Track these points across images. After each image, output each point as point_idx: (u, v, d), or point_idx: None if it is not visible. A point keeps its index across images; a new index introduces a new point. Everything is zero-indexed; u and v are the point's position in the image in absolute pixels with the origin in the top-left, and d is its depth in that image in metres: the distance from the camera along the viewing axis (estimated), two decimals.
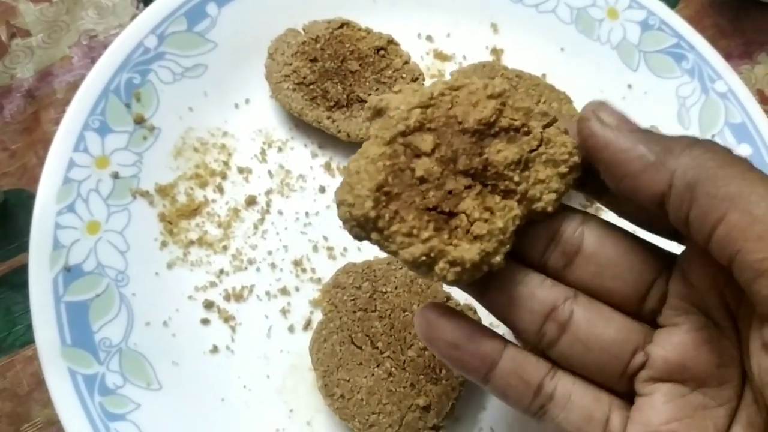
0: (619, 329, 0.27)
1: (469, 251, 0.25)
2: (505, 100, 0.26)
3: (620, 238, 0.27)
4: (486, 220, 0.25)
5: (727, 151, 0.23)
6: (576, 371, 0.27)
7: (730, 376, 0.25)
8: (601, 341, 0.26)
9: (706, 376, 0.25)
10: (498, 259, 0.25)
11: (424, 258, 0.25)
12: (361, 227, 0.26)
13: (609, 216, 0.28)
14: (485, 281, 0.27)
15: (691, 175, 0.22)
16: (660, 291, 0.27)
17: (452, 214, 0.25)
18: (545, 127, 0.26)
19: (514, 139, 0.26)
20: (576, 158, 0.26)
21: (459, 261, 0.25)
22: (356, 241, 0.41)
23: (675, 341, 0.26)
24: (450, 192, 0.25)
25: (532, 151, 0.26)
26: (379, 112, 0.26)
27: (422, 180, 0.25)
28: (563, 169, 0.26)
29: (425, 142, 0.25)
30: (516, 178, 0.26)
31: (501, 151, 0.26)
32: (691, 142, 0.23)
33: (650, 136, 0.24)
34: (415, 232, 0.25)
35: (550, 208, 0.26)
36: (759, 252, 0.21)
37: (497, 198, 0.26)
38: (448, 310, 0.27)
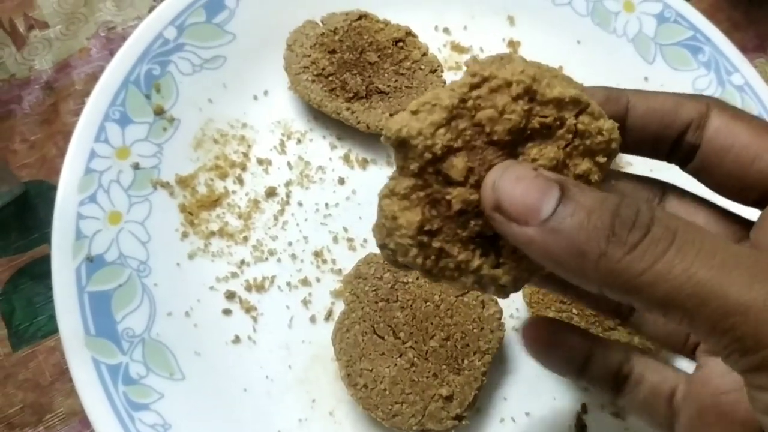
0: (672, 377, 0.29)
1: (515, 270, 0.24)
2: (533, 94, 0.23)
3: (698, 205, 0.28)
4: None
5: None
6: (649, 336, 0.31)
7: None
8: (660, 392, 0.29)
9: None
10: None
11: (476, 286, 0.24)
12: (408, 267, 0.25)
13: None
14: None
15: None
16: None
17: (497, 236, 0.23)
18: (578, 115, 0.24)
19: (548, 137, 0.24)
20: (614, 144, 0.24)
21: (509, 283, 0.24)
22: None
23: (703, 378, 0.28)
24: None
25: (567, 145, 0.24)
26: (403, 143, 0.23)
27: (462, 212, 0.23)
28: (601, 158, 0.24)
29: (456, 169, 0.23)
30: None
31: (537, 159, 0.23)
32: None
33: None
34: (463, 266, 0.24)
35: None
36: None
37: None
38: (550, 324, 0.31)
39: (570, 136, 0.24)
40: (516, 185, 0.21)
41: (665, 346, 0.31)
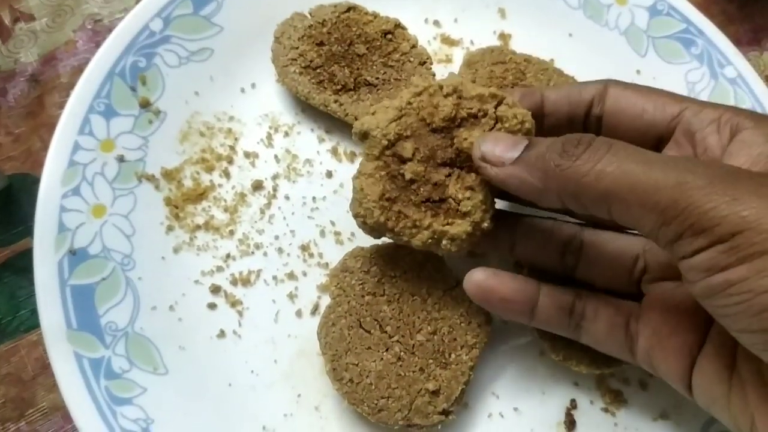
0: (620, 245, 0.34)
1: (461, 226, 0.32)
2: (460, 93, 0.31)
3: (605, 233, 0.36)
4: (468, 198, 0.32)
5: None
6: (597, 287, 0.35)
7: None
8: (608, 257, 0.34)
9: None
10: (486, 224, 0.32)
11: (430, 241, 0.32)
12: (377, 231, 0.33)
13: None
14: (513, 237, 0.36)
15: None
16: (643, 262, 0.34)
17: (442, 200, 0.32)
18: (497, 106, 0.32)
19: (475, 124, 0.31)
20: (527, 125, 0.32)
21: (457, 236, 0.32)
22: None
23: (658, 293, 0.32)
24: (435, 183, 0.32)
25: (491, 129, 0.31)
26: (365, 135, 0.32)
27: (412, 181, 0.31)
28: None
29: (406, 149, 0.31)
30: None
31: (467, 138, 0.31)
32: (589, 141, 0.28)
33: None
34: (418, 223, 0.32)
35: None
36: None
37: (473, 176, 0.32)
38: (491, 272, 0.34)
39: (492, 122, 0.31)
40: (495, 142, 0.30)
41: (613, 289, 0.35)
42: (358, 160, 0.44)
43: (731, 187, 0.23)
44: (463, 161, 0.32)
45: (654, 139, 0.33)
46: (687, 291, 0.29)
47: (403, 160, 0.32)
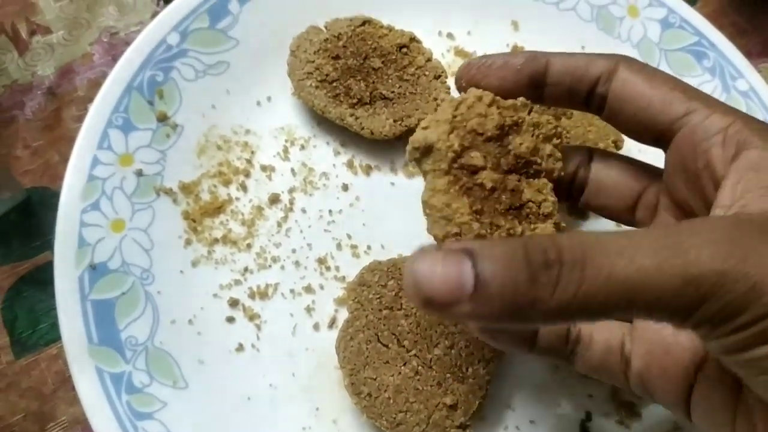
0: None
1: (547, 228, 0.31)
2: (497, 103, 0.30)
3: (614, 161, 0.34)
4: (545, 199, 0.31)
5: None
6: None
7: None
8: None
9: None
10: (563, 223, 0.32)
11: None
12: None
13: None
14: None
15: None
16: (649, 202, 0.32)
17: (521, 206, 0.31)
18: (529, 113, 0.31)
19: (518, 131, 0.31)
20: (558, 128, 0.32)
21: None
22: (379, 240, 0.42)
23: None
24: (513, 190, 0.30)
25: (532, 136, 0.31)
26: (428, 149, 0.30)
27: (493, 189, 0.30)
28: (555, 140, 0.32)
29: (476, 158, 0.29)
30: (537, 160, 0.31)
31: (522, 144, 0.30)
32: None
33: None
34: (512, 231, 0.30)
35: (563, 172, 0.32)
36: None
37: (538, 179, 0.31)
38: None
39: (532, 128, 0.31)
40: (432, 277, 0.21)
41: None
42: (374, 173, 0.44)
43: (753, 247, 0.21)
44: (522, 167, 0.31)
45: (653, 136, 0.30)
46: None
47: (474, 171, 0.30)
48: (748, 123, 0.27)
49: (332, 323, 0.40)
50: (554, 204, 0.31)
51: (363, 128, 0.43)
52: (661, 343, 0.29)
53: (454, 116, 0.30)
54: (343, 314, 0.39)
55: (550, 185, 0.31)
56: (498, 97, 0.30)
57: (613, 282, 0.20)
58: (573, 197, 0.35)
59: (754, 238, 0.21)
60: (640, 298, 0.20)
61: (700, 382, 0.27)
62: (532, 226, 0.31)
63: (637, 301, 0.21)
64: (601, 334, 0.31)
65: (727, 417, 0.26)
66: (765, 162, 0.26)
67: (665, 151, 0.30)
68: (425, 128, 0.30)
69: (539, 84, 0.31)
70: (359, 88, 0.43)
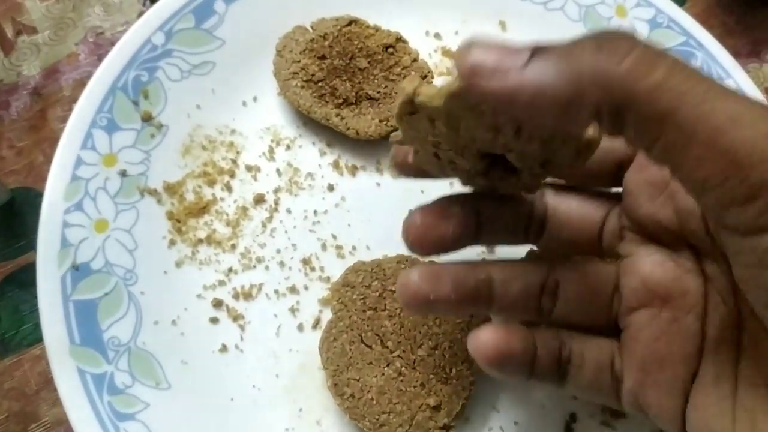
0: (595, 276, 0.30)
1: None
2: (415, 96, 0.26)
3: (569, 193, 0.32)
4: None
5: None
6: (575, 326, 0.31)
7: (689, 285, 0.27)
8: (585, 294, 0.30)
9: (668, 292, 0.28)
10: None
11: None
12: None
13: None
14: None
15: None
16: (613, 227, 0.31)
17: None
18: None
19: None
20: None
21: None
22: (365, 241, 0.42)
23: (635, 270, 0.29)
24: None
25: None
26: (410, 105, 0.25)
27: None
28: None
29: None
30: None
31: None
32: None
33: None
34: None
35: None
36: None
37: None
38: (503, 329, 0.29)
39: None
40: (487, 50, 0.20)
41: (593, 327, 0.31)
42: (360, 173, 0.44)
43: None
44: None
45: (610, 180, 0.31)
46: (669, 317, 0.27)
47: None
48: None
49: (316, 324, 0.40)
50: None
51: (349, 128, 0.43)
52: (653, 356, 0.28)
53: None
54: (328, 315, 0.39)
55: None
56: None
57: (686, 87, 0.19)
58: (538, 235, 0.33)
59: None
60: (698, 127, 0.19)
61: (696, 391, 0.26)
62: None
63: (693, 130, 0.19)
64: (592, 352, 0.30)
65: (725, 424, 0.25)
66: None
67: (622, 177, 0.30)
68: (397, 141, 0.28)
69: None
70: (345, 88, 0.43)
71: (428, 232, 0.30)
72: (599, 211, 0.31)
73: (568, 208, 0.32)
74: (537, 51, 0.20)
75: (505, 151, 0.26)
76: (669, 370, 0.27)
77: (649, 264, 0.28)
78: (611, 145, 0.30)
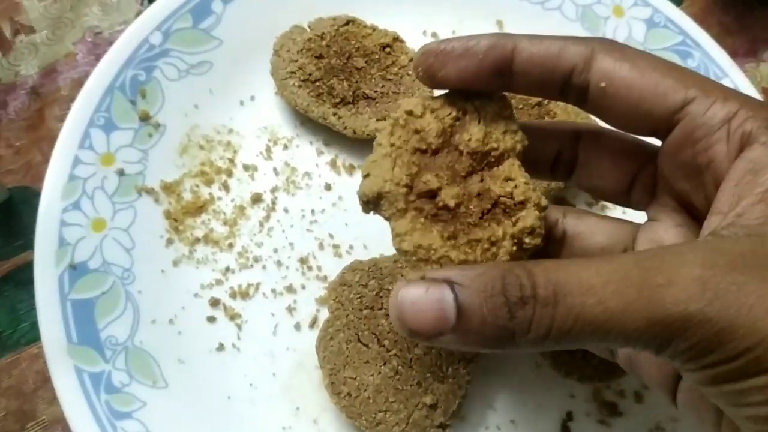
0: (608, 233, 0.30)
1: (529, 214, 0.27)
2: (430, 107, 0.28)
3: (605, 139, 0.31)
4: (516, 186, 0.27)
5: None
6: None
7: None
8: (594, 249, 0.30)
9: None
10: (544, 201, 0.28)
11: (515, 248, 0.27)
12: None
13: None
14: None
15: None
16: (646, 183, 0.30)
17: (494, 205, 0.27)
18: (467, 99, 0.28)
19: (463, 125, 0.28)
20: (504, 98, 0.28)
21: (533, 225, 0.27)
22: (361, 240, 0.42)
23: (651, 237, 0.29)
24: (478, 194, 0.27)
25: (479, 123, 0.28)
26: (378, 197, 0.27)
27: (458, 205, 0.27)
28: (505, 113, 0.28)
29: (430, 182, 0.27)
30: (494, 145, 0.28)
31: (470, 138, 0.27)
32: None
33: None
34: (493, 239, 0.27)
35: (527, 142, 0.29)
36: None
37: (501, 167, 0.28)
38: None
39: (476, 115, 0.28)
40: (416, 310, 0.23)
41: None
42: (357, 173, 0.44)
43: (736, 285, 0.20)
44: (481, 160, 0.28)
45: (648, 131, 0.28)
46: None
47: (432, 194, 0.27)
48: (753, 110, 0.24)
49: (313, 323, 0.40)
50: (527, 184, 0.28)
51: (346, 128, 0.43)
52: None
53: (392, 145, 0.27)
54: (325, 314, 0.39)
55: (517, 164, 0.28)
56: (428, 101, 0.28)
57: (582, 322, 0.21)
58: (564, 176, 0.32)
59: (726, 276, 0.20)
60: (610, 335, 0.21)
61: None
62: (513, 220, 0.27)
63: (608, 337, 0.21)
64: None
65: (713, 418, 0.25)
66: (765, 160, 0.24)
67: (662, 141, 0.27)
68: (367, 176, 0.27)
69: (505, 72, 0.27)
70: (342, 87, 0.43)
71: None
72: (633, 164, 0.30)
73: (599, 155, 0.31)
74: (456, 292, 0.22)
75: None
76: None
77: (669, 235, 0.28)
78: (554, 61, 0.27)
